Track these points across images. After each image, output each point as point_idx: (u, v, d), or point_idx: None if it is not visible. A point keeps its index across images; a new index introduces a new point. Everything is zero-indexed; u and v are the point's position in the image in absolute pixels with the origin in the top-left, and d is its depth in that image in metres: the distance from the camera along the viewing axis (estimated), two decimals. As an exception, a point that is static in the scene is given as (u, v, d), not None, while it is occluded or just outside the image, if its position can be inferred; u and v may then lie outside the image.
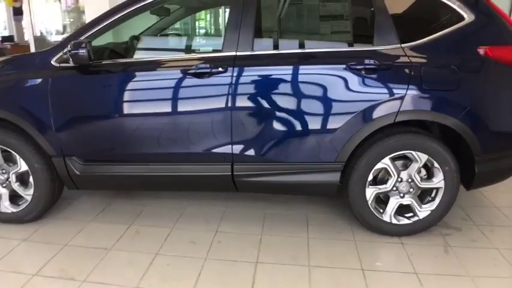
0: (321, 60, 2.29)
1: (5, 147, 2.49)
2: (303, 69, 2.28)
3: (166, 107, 2.34)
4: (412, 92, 2.19)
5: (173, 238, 2.45)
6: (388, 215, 2.41)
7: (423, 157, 2.29)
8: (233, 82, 2.25)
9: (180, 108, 2.34)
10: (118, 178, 2.52)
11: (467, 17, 2.25)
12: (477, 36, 2.27)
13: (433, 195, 2.40)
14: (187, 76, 2.28)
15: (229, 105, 2.27)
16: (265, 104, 2.29)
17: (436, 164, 2.30)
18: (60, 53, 2.38)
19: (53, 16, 6.68)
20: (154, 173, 2.46)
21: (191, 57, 2.43)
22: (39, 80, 2.38)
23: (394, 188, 2.38)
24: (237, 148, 2.35)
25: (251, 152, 2.36)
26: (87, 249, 2.32)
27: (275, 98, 2.28)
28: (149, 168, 2.46)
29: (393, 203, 2.40)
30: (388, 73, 2.23)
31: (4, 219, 2.63)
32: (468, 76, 2.25)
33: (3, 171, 2.56)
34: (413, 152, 2.29)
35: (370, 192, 2.38)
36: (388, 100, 2.22)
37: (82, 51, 2.17)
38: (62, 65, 2.37)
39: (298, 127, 2.30)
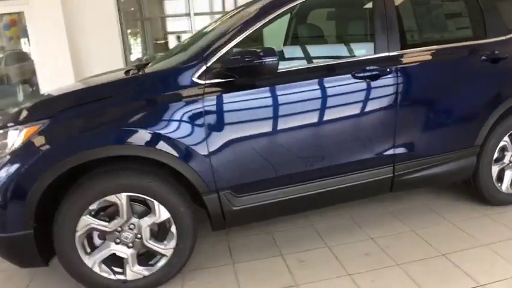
0: (460, 53, 2.44)
1: (138, 195, 1.93)
2: (453, 61, 2.41)
3: (333, 114, 2.16)
4: None
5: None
6: (505, 186, 2.71)
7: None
8: (399, 82, 2.22)
9: (348, 114, 2.19)
10: (282, 204, 2.20)
11: None
12: None
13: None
14: (356, 80, 2.15)
15: (396, 105, 2.24)
16: (426, 100, 2.33)
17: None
18: (203, 68, 1.96)
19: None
20: (316, 190, 2.24)
21: (357, 60, 2.28)
22: (189, 103, 1.92)
23: (510, 162, 2.69)
24: (399, 148, 2.33)
25: (411, 150, 2.36)
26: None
27: (433, 92, 2.34)
28: (310, 186, 2.23)
29: (509, 175, 2.71)
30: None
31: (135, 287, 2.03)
32: None
33: (131, 226, 1.98)
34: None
35: (495, 169, 2.64)
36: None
37: (272, 60, 1.84)
38: (210, 81, 1.96)
39: (450, 119, 2.41)
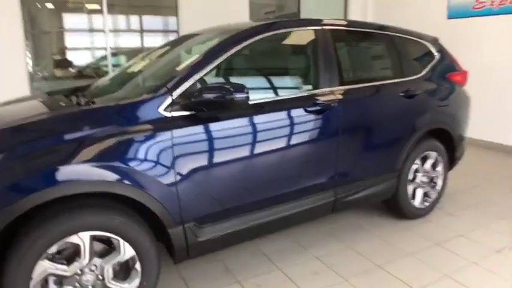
0: (384, 90, 2.85)
1: (102, 233, 1.82)
2: (379, 97, 2.80)
3: (287, 144, 2.32)
4: None
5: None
6: (417, 202, 3.17)
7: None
8: (339, 115, 2.49)
9: (299, 144, 2.37)
10: (241, 232, 2.25)
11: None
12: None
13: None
14: (306, 113, 2.36)
15: (337, 136, 2.50)
16: (359, 131, 2.65)
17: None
18: (169, 100, 1.97)
19: None
20: (273, 216, 2.36)
21: (306, 94, 2.46)
22: (156, 136, 1.89)
23: (421, 182, 3.17)
24: (339, 174, 2.58)
25: (348, 175, 2.64)
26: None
27: (365, 124, 2.68)
28: (268, 213, 2.34)
29: (420, 193, 3.18)
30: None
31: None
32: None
33: (93, 267, 1.85)
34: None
35: (410, 188, 3.09)
36: None
37: (242, 96, 1.92)
38: (176, 114, 1.97)
39: (378, 146, 2.77)
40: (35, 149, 1.70)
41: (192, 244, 2.08)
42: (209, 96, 1.92)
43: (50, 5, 5.62)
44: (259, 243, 2.84)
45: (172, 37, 6.21)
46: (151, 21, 6.38)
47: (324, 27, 2.59)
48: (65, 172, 1.70)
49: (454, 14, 5.60)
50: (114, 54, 5.95)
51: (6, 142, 1.73)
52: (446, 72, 3.29)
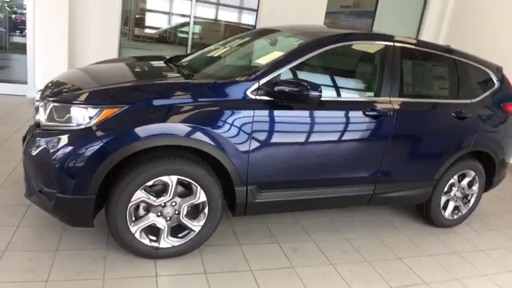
0: (438, 108, 3.15)
1: (186, 179, 2.34)
2: (432, 113, 3.13)
3: (345, 138, 2.74)
4: None
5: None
6: (447, 213, 3.48)
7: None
8: (394, 122, 2.85)
9: (354, 140, 2.78)
10: (290, 202, 2.73)
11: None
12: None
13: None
14: (364, 116, 2.74)
15: (388, 139, 2.86)
16: (408, 139, 3.00)
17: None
18: (256, 85, 2.43)
19: None
20: (317, 195, 2.80)
21: (367, 100, 2.86)
22: (241, 112, 2.37)
23: (454, 196, 3.47)
24: (382, 172, 2.96)
25: (390, 175, 3.01)
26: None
27: (414, 134, 3.02)
28: (314, 192, 2.78)
29: (452, 205, 3.48)
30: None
31: (163, 254, 2.45)
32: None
33: (173, 203, 2.39)
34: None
35: (443, 199, 3.40)
36: None
37: (315, 94, 2.35)
38: (259, 98, 2.43)
39: (421, 155, 3.11)
40: (151, 106, 2.23)
41: (250, 203, 2.57)
42: (289, 88, 2.36)
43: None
44: (300, 217, 3.30)
45: (251, 16, 6.64)
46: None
47: (395, 43, 2.92)
48: (170, 127, 2.23)
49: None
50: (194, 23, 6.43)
51: (130, 96, 2.27)
52: (503, 101, 3.51)
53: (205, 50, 3.56)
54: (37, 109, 2.48)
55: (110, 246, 2.50)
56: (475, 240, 3.44)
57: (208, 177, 2.38)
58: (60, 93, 2.41)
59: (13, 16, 6.14)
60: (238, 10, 6.83)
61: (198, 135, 2.27)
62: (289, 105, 2.50)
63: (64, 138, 2.16)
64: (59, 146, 2.15)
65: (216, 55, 3.36)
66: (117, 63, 3.32)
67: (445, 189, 3.37)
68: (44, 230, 2.59)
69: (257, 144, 2.44)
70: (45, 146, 2.19)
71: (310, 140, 2.63)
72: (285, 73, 2.53)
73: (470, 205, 3.60)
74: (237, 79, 2.45)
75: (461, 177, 3.46)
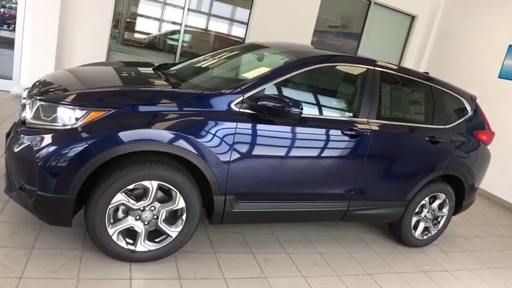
0: (413, 131, 3.30)
1: (166, 185, 2.40)
2: (407, 136, 3.27)
3: (321, 155, 2.84)
4: None
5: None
6: (417, 233, 3.62)
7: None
8: (370, 142, 2.97)
9: (330, 157, 2.89)
10: (266, 214, 2.81)
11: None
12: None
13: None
14: (342, 135, 2.86)
15: (363, 158, 2.99)
16: (383, 159, 3.13)
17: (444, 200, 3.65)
18: (240, 98, 2.52)
19: None
20: (293, 209, 2.89)
21: (346, 119, 2.98)
22: (224, 123, 2.45)
23: (425, 217, 3.61)
24: (356, 189, 3.07)
25: (364, 193, 3.13)
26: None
27: (389, 155, 3.15)
28: (290, 205, 2.88)
29: (422, 226, 3.63)
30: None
31: (139, 258, 2.49)
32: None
33: (152, 208, 2.44)
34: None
35: (414, 219, 3.53)
36: None
37: (297, 111, 2.45)
38: (243, 110, 2.52)
39: (395, 175, 3.24)
40: (137, 111, 2.29)
41: (227, 212, 2.64)
42: (271, 104, 2.46)
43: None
44: (274, 229, 3.38)
45: (241, 29, 6.77)
46: (224, 8, 6.87)
47: (376, 68, 3.07)
48: (154, 134, 2.29)
49: (506, 75, 5.88)
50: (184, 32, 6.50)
51: (117, 101, 2.32)
52: (475, 129, 3.69)
53: (194, 60, 3.64)
54: (23, 106, 2.51)
55: (87, 247, 2.52)
56: (442, 261, 3.58)
57: (188, 185, 2.44)
58: (47, 93, 2.45)
59: (1, 10, 6.13)
60: (229, 22, 6.95)
61: (181, 142, 2.34)
62: (271, 119, 2.59)
63: (49, 137, 2.20)
64: (43, 145, 2.19)
65: (204, 66, 3.45)
66: (105, 67, 3.37)
67: (416, 210, 3.51)
68: (21, 227, 2.59)
69: (238, 155, 2.52)
70: (29, 143, 2.22)
71: (289, 154, 2.72)
72: (269, 88, 2.63)
73: (440, 226, 3.74)
74: (222, 91, 2.53)
75: (432, 199, 3.60)
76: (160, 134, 2.30)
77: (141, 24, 6.60)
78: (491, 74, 6.08)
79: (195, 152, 2.39)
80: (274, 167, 2.70)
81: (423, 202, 3.52)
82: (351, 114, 3.03)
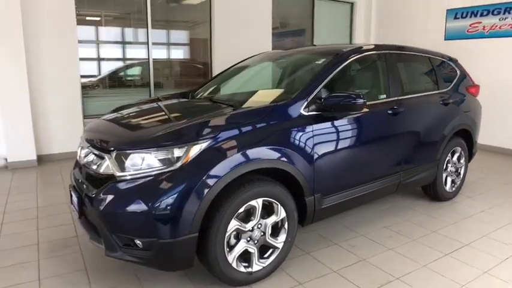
0: (431, 99, 3.70)
1: (269, 199, 2.49)
2: (428, 104, 3.68)
3: (381, 138, 3.18)
4: None
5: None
6: (448, 187, 4.04)
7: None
8: (405, 117, 3.32)
9: (388, 138, 3.24)
10: (346, 202, 3.00)
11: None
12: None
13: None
14: (388, 115, 3.17)
15: (405, 132, 3.32)
16: (417, 129, 3.50)
17: None
18: (306, 103, 2.69)
19: None
20: (367, 191, 3.14)
21: (385, 101, 3.27)
22: (303, 128, 2.62)
23: (450, 171, 4.04)
24: (403, 160, 3.40)
25: (408, 162, 3.46)
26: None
27: (420, 124, 3.52)
28: (364, 188, 3.11)
29: (450, 180, 4.05)
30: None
31: (256, 278, 2.55)
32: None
33: (259, 225, 2.52)
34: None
35: (444, 175, 3.95)
36: None
37: (361, 101, 2.68)
38: (311, 113, 2.70)
39: (428, 141, 3.62)
40: (234, 134, 2.36)
41: (317, 210, 2.79)
42: (339, 100, 2.67)
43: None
44: (339, 218, 3.57)
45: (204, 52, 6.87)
46: (183, 36, 6.97)
47: (390, 50, 3.43)
48: (256, 152, 2.39)
49: (450, 36, 6.65)
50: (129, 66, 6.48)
51: (208, 130, 2.37)
52: (466, 85, 4.21)
53: (215, 82, 3.73)
54: (85, 165, 2.53)
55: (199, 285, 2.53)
56: (473, 204, 4.04)
57: (286, 194, 2.56)
58: (126, 143, 2.40)
59: None
60: (191, 48, 7.04)
61: (280, 155, 2.46)
62: (333, 116, 2.80)
63: (156, 184, 2.19)
64: (153, 193, 2.18)
65: (235, 85, 3.56)
66: (144, 106, 3.31)
67: (444, 167, 3.92)
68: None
69: (318, 154, 2.70)
70: (132, 195, 2.20)
71: (357, 142, 2.98)
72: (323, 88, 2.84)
73: (461, 176, 4.21)
74: (291, 99, 2.68)
75: (451, 154, 4.05)
76: (261, 151, 2.40)
77: (108, 67, 6.37)
78: (437, 38, 6.83)
79: (288, 161, 2.52)
80: (349, 157, 2.93)
81: (447, 158, 3.95)
82: (385, 96, 3.34)
